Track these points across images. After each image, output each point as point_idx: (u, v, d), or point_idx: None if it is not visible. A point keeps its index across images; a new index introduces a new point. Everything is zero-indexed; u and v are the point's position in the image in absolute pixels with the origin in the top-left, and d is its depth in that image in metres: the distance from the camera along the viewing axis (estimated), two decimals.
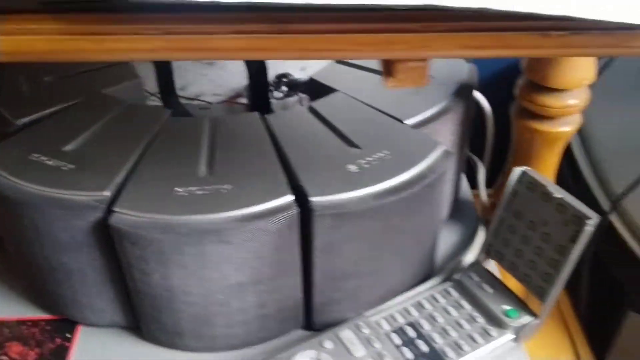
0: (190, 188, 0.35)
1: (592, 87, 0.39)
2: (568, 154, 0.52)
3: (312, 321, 0.40)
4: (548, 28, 0.21)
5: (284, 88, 0.51)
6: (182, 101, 0.51)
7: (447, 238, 0.47)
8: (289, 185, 0.35)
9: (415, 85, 0.24)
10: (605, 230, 0.46)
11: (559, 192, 0.35)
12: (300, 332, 0.40)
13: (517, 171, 0.37)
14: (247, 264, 0.34)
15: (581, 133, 0.53)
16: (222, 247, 0.33)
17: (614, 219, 0.46)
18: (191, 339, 0.38)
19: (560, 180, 0.46)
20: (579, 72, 0.37)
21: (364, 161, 0.37)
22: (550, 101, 0.38)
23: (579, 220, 0.33)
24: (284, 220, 0.33)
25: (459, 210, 0.49)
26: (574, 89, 0.37)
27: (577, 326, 0.50)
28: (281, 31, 0.21)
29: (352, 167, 0.36)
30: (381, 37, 0.21)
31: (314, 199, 0.34)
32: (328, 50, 0.22)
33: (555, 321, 0.49)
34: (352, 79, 0.45)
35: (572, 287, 0.51)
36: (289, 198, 0.34)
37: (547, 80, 0.37)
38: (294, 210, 0.34)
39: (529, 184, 0.36)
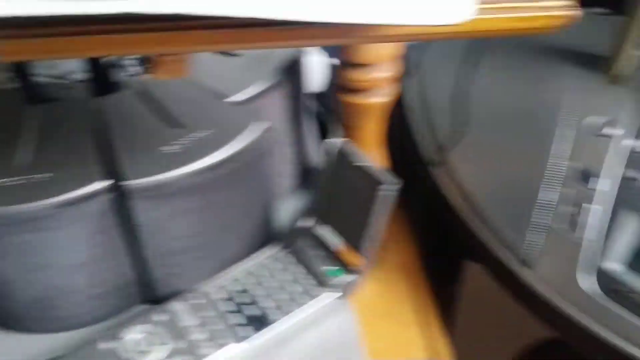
0: (7, 179, 0.35)
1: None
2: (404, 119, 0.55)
3: (158, 295, 0.42)
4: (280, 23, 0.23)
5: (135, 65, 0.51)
6: (44, 80, 0.50)
7: (292, 206, 0.49)
8: (105, 170, 0.36)
9: (176, 75, 0.26)
10: (432, 184, 0.49)
11: (362, 161, 0.38)
12: (143, 307, 0.42)
13: (329, 143, 0.40)
14: (71, 248, 0.36)
15: (420, 96, 0.56)
16: (43, 235, 0.35)
17: (439, 172, 0.49)
18: (29, 321, 0.39)
19: (395, 143, 0.49)
20: (382, 48, 0.40)
21: (185, 140, 0.38)
22: (359, 76, 0.41)
23: (376, 185, 0.37)
24: (99, 204, 0.35)
25: (308, 179, 0.52)
26: (380, 63, 0.40)
27: (422, 279, 0.54)
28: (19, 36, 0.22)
29: (172, 148, 0.38)
30: (119, 38, 0.23)
31: (130, 182, 0.35)
32: (76, 50, 0.23)
33: (399, 275, 0.53)
34: None
35: (419, 241, 0.55)
36: (104, 183, 0.35)
37: (354, 57, 0.40)
38: (110, 195, 0.35)
39: (340, 154, 0.40)
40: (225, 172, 0.38)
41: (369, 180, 0.37)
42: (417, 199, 0.55)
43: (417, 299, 0.52)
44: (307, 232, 0.43)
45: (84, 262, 0.37)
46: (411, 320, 0.49)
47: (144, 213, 0.36)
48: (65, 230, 0.35)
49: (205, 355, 0.36)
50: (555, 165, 0.44)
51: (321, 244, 0.43)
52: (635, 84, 0.47)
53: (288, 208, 0.49)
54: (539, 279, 0.42)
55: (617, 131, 0.44)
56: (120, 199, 0.36)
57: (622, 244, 0.41)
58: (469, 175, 0.49)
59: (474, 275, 0.57)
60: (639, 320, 0.38)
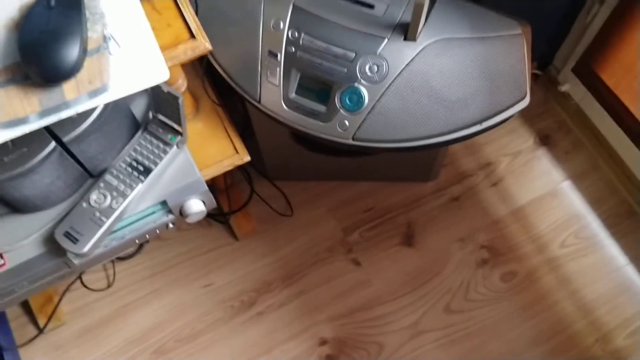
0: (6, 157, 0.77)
1: None
2: None
3: (95, 174, 0.86)
4: None
5: None
6: None
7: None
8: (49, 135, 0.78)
9: None
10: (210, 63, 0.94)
11: (169, 89, 0.81)
12: (91, 180, 0.87)
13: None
14: (49, 174, 0.80)
15: None
16: (32, 175, 0.78)
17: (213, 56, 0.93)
18: (31, 205, 0.84)
19: None
20: None
21: None
22: None
23: (177, 98, 0.81)
24: (57, 151, 0.78)
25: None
26: None
27: (233, 130, 0.98)
28: None
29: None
30: None
31: (67, 137, 0.78)
32: None
33: (219, 131, 0.98)
34: None
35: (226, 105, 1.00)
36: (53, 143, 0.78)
37: None
38: (58, 147, 0.78)
39: (160, 86, 0.83)
40: (107, 112, 0.80)
41: (173, 96, 0.81)
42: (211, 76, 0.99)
43: (223, 126, 0.99)
44: (154, 120, 0.88)
45: (59, 175, 0.81)
46: (221, 138, 0.97)
47: (78, 149, 0.79)
48: (45, 168, 0.78)
49: (129, 194, 0.82)
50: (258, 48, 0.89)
51: (163, 124, 0.87)
52: None
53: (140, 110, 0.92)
54: (264, 106, 0.91)
55: (283, 25, 0.88)
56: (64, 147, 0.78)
57: (292, 85, 0.89)
58: (220, 54, 0.93)
59: (249, 108, 1.04)
60: (301, 117, 0.88)
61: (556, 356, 1.21)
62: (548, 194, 1.38)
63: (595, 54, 1.26)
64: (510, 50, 0.84)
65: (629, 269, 1.29)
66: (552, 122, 1.46)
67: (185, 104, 0.93)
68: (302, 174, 1.33)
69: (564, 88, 1.40)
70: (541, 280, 1.28)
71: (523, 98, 0.86)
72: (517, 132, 1.45)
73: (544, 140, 1.44)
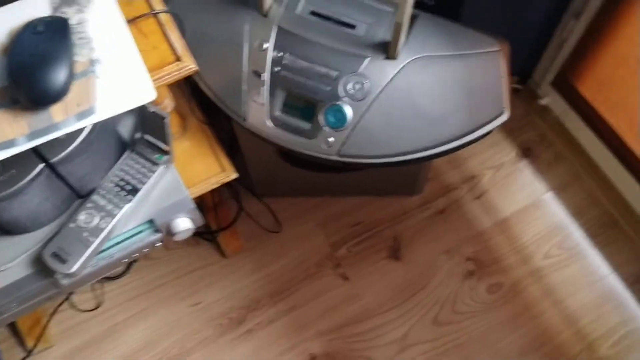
0: None
1: None
2: None
3: (83, 194, 0.87)
4: None
5: None
6: None
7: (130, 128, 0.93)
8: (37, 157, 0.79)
9: None
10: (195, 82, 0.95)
11: (155, 109, 0.83)
12: (78, 201, 0.87)
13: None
14: (38, 194, 0.80)
15: None
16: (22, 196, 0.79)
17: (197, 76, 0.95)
18: (21, 227, 0.85)
19: None
20: None
21: None
22: None
23: (162, 118, 0.82)
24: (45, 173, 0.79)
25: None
26: None
27: (219, 148, 1.00)
28: None
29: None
30: None
31: (54, 159, 0.79)
32: None
33: (206, 149, 0.99)
34: None
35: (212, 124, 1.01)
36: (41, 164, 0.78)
37: None
38: (46, 169, 0.79)
39: (146, 107, 0.84)
40: (94, 133, 0.81)
41: (159, 116, 0.82)
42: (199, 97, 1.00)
43: (210, 144, 1.00)
44: (141, 140, 0.89)
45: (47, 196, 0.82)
46: (208, 156, 0.98)
47: (66, 170, 0.80)
48: (33, 189, 0.79)
49: (117, 214, 0.83)
50: (243, 68, 0.91)
51: (150, 144, 0.89)
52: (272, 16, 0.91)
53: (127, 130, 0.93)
54: (250, 124, 0.92)
55: (267, 45, 0.90)
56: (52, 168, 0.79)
57: (277, 103, 0.90)
58: (206, 75, 0.94)
59: (236, 127, 1.06)
60: (287, 135, 0.89)
61: None
62: (531, 205, 1.40)
63: (573, 67, 1.29)
64: (488, 66, 0.87)
65: (612, 279, 1.32)
66: (533, 135, 1.48)
67: (172, 123, 0.94)
68: (290, 190, 1.34)
69: (544, 101, 1.43)
70: (526, 291, 1.30)
71: (502, 113, 0.88)
72: (500, 146, 1.47)
73: (526, 152, 1.47)
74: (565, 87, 1.34)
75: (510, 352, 1.24)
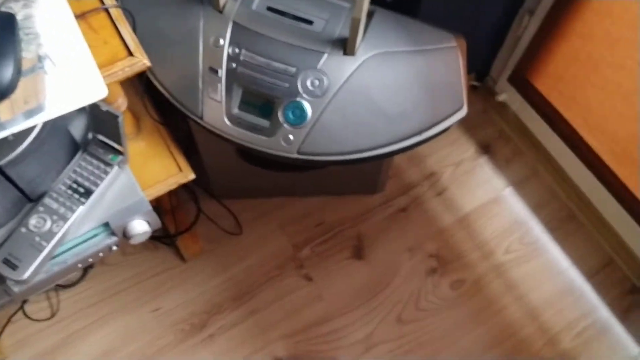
0: None
1: None
2: None
3: (33, 197, 0.84)
4: None
5: None
6: None
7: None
8: None
9: None
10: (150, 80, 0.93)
11: (108, 107, 0.80)
12: (29, 205, 0.84)
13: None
14: None
15: None
16: None
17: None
18: None
19: None
20: None
21: None
22: None
23: (116, 117, 0.80)
24: None
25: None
26: None
27: (176, 148, 0.97)
28: None
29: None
30: None
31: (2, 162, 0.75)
32: None
33: (162, 149, 0.97)
34: None
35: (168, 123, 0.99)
36: None
37: None
38: None
39: (99, 104, 0.81)
40: (44, 134, 0.78)
41: (112, 115, 0.80)
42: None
43: (166, 144, 0.98)
44: (93, 140, 0.86)
45: None
46: (164, 156, 0.96)
47: (15, 172, 0.77)
48: None
49: (70, 217, 0.80)
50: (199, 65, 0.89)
51: (103, 145, 0.86)
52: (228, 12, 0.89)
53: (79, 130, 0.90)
54: (207, 123, 0.90)
55: (223, 42, 0.88)
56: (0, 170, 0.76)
57: (234, 100, 0.89)
58: (161, 72, 0.92)
59: (192, 125, 1.03)
60: (245, 133, 0.88)
61: None
62: (491, 201, 1.42)
63: (528, 64, 1.31)
64: (446, 62, 0.87)
65: (572, 271, 1.34)
66: (491, 131, 1.50)
67: (126, 123, 0.91)
68: (250, 191, 1.32)
69: (501, 98, 1.45)
70: (489, 287, 1.31)
71: (460, 108, 0.88)
72: (459, 142, 1.48)
73: (485, 149, 1.48)
74: (522, 83, 1.36)
75: (474, 348, 1.25)
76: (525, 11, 1.23)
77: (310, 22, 0.86)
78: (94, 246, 0.82)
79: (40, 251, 0.76)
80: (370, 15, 0.86)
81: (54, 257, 0.79)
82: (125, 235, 0.84)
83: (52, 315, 1.23)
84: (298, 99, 0.85)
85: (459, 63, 0.87)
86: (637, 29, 1.00)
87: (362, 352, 1.23)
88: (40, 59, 0.68)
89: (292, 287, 1.29)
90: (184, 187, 0.94)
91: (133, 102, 0.95)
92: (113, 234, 0.82)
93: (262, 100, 0.88)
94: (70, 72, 0.67)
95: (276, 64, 0.85)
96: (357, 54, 0.84)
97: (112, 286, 1.26)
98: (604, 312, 1.29)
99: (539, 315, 1.28)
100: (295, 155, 0.89)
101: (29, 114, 0.65)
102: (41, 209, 0.79)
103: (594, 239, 1.36)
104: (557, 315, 1.29)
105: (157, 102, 0.97)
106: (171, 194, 0.98)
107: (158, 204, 1.18)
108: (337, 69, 0.84)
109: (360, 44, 0.84)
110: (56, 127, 0.77)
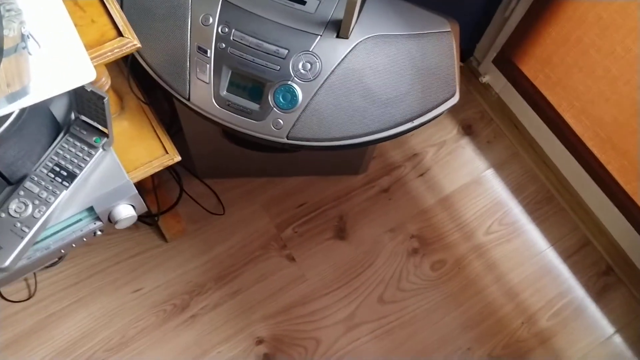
0: None
1: None
2: None
3: (13, 181, 0.80)
4: None
5: None
6: None
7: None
8: None
9: None
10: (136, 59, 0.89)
11: (94, 89, 0.77)
12: (8, 188, 0.81)
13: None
14: None
15: None
16: None
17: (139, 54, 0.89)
18: None
19: None
20: None
21: None
22: None
23: (102, 98, 0.76)
24: None
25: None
26: None
27: (161, 129, 0.94)
28: None
29: None
30: None
31: None
32: None
33: (147, 130, 0.94)
34: None
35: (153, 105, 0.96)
36: None
37: None
38: None
39: (85, 87, 0.78)
40: (24, 115, 0.75)
41: (98, 96, 0.76)
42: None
43: (151, 124, 0.95)
44: (76, 121, 0.83)
45: None
46: (149, 138, 0.93)
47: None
48: None
49: (52, 202, 0.77)
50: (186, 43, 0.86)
51: (87, 126, 0.83)
52: None
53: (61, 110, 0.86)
54: (194, 104, 0.88)
55: (212, 20, 0.85)
56: None
57: (223, 82, 0.86)
58: (147, 51, 0.89)
59: (178, 106, 1.00)
60: (234, 116, 0.86)
61: (485, 341, 1.25)
62: (472, 182, 1.42)
63: (515, 46, 1.30)
64: (440, 47, 0.86)
65: (550, 252, 1.36)
66: (474, 113, 1.50)
67: (110, 103, 0.88)
68: (233, 171, 1.30)
69: (484, 79, 1.44)
70: (469, 267, 1.32)
71: (453, 95, 0.87)
72: (442, 124, 1.48)
73: (467, 130, 1.48)
74: (507, 65, 1.35)
75: (454, 327, 1.26)
76: None
77: (303, 2, 0.84)
78: (77, 231, 0.79)
79: (22, 237, 0.74)
80: None
81: (36, 243, 0.76)
82: (110, 220, 0.82)
83: (30, 296, 1.20)
84: (289, 82, 0.83)
85: (453, 49, 0.86)
86: (629, 15, 0.99)
87: (344, 332, 1.24)
88: (23, 38, 0.64)
89: (274, 268, 1.28)
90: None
91: (116, 81, 0.91)
92: (97, 218, 0.80)
93: (251, 83, 0.85)
94: (56, 53, 0.64)
95: (267, 45, 0.83)
96: (351, 37, 0.82)
97: (91, 266, 1.24)
98: (579, 292, 1.32)
99: (518, 295, 1.30)
100: (285, 140, 0.87)
101: (12, 97, 0.62)
102: (22, 193, 0.76)
103: (571, 221, 1.39)
104: (534, 295, 1.31)
105: (140, 78, 0.94)
106: (154, 174, 0.95)
107: (140, 184, 1.15)
108: (330, 52, 0.82)
109: (354, 27, 0.82)
110: (37, 107, 0.74)
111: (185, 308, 1.22)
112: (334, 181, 1.37)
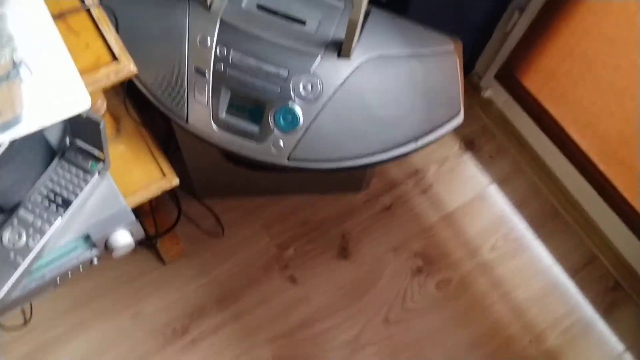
0: None
1: None
2: None
3: (5, 208, 0.78)
4: None
5: None
6: None
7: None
8: None
9: None
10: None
11: (89, 114, 0.74)
12: (1, 216, 0.78)
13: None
14: None
15: None
16: None
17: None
18: None
19: None
20: None
21: None
22: None
23: (97, 124, 0.74)
24: None
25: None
26: None
27: (159, 151, 0.92)
28: None
29: None
30: None
31: None
32: None
33: (144, 153, 0.91)
34: None
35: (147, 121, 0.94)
36: None
37: None
38: None
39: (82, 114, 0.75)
40: (17, 140, 0.73)
41: (93, 121, 0.74)
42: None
43: (148, 147, 0.93)
44: (71, 146, 0.80)
45: None
46: (146, 161, 0.91)
47: None
48: None
49: (47, 230, 0.75)
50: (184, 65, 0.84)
51: (82, 151, 0.80)
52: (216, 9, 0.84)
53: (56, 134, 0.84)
54: (192, 126, 0.86)
55: (210, 41, 0.83)
56: None
57: (222, 104, 0.84)
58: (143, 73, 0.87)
59: (176, 128, 0.98)
60: (233, 138, 0.83)
61: None
62: (476, 198, 1.40)
63: (517, 61, 1.29)
64: (443, 67, 0.84)
65: (555, 268, 1.33)
66: (476, 128, 1.48)
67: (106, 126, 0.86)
68: (232, 191, 1.28)
69: (486, 94, 1.42)
70: (474, 285, 1.30)
71: (457, 114, 0.85)
72: (444, 140, 1.45)
73: (469, 145, 1.46)
74: (509, 79, 1.34)
75: (462, 347, 1.23)
76: (515, 7, 1.20)
77: (303, 22, 0.82)
78: (73, 259, 0.78)
79: (16, 268, 0.71)
80: (365, 16, 0.82)
81: (31, 273, 0.74)
82: (106, 248, 0.79)
83: (25, 322, 1.17)
84: (290, 103, 0.81)
85: (457, 68, 0.84)
86: (635, 29, 0.98)
87: (349, 354, 1.21)
88: (15, 65, 0.62)
89: (277, 289, 1.25)
90: None
91: (112, 103, 0.89)
92: (94, 246, 0.78)
93: (251, 104, 0.83)
94: (50, 80, 0.62)
95: (267, 66, 0.81)
96: (352, 57, 0.81)
97: (88, 290, 1.21)
98: (587, 309, 1.29)
99: (524, 313, 1.28)
100: (286, 162, 0.85)
101: (5, 126, 0.60)
102: (15, 221, 0.74)
103: (577, 236, 1.36)
104: (541, 313, 1.28)
105: (135, 97, 0.92)
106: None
107: (137, 207, 1.12)
108: (331, 73, 0.80)
109: (356, 47, 0.80)
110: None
111: (185, 332, 1.19)
112: (335, 199, 1.35)
